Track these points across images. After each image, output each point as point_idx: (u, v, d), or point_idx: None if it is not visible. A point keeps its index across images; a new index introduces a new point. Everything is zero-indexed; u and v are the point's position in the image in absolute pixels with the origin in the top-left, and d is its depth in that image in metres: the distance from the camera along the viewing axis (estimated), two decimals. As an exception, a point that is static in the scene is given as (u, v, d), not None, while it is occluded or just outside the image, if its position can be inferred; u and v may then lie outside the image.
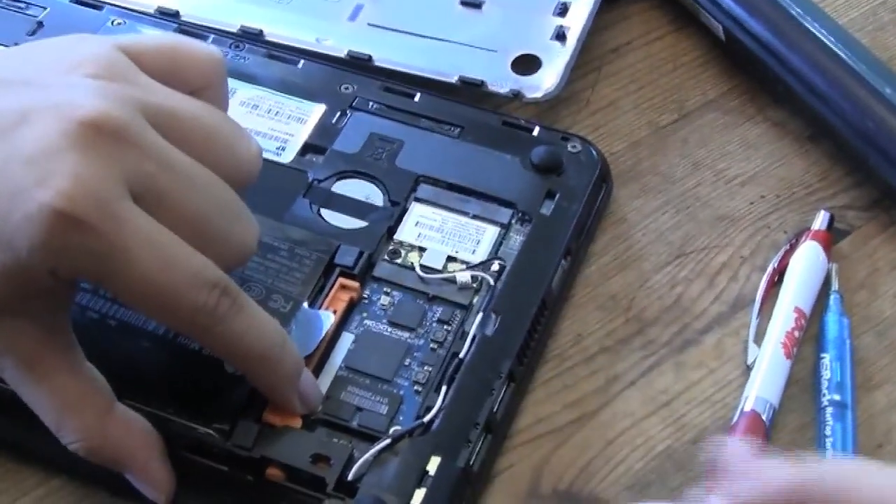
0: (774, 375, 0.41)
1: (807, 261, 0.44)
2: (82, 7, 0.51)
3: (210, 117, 0.38)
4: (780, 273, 0.45)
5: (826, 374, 0.41)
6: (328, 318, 0.40)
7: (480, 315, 0.41)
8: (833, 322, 0.41)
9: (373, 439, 0.37)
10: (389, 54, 0.49)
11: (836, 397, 0.40)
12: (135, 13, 0.51)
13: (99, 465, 0.39)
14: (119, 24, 0.50)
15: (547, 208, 0.44)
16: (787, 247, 0.45)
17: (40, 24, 0.50)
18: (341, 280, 0.41)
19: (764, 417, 0.40)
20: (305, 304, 0.41)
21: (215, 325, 0.36)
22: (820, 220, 0.45)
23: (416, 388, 0.39)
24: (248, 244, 0.38)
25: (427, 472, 0.37)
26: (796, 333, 0.42)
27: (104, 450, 0.38)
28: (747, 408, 0.40)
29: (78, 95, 0.35)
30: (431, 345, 0.40)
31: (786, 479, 0.31)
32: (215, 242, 0.36)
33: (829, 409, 0.40)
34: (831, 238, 0.45)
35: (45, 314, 0.37)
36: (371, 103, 0.47)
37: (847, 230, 0.46)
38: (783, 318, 0.42)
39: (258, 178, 0.39)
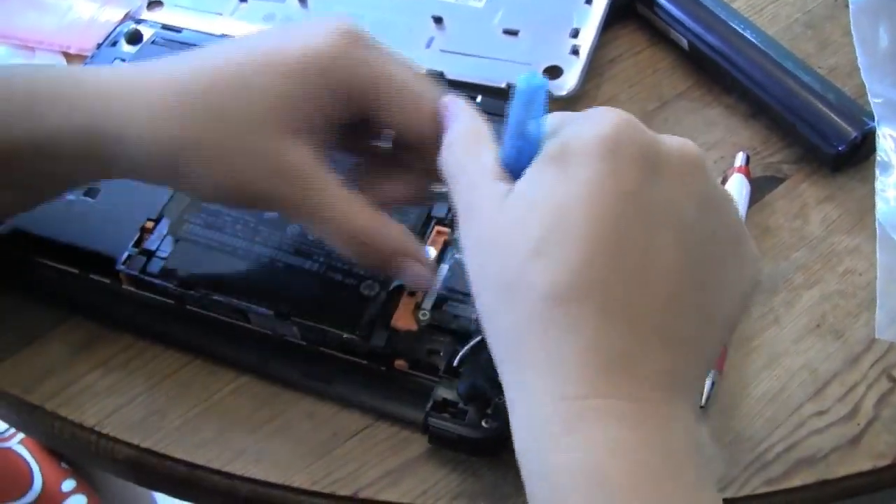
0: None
1: (736, 184, 0.50)
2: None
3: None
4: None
5: None
6: (431, 253, 0.45)
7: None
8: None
9: (468, 337, 0.42)
10: (456, 70, 0.53)
11: None
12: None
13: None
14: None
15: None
16: (721, 178, 0.51)
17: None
18: (437, 228, 0.46)
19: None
20: (416, 244, 0.43)
21: None
22: (740, 159, 0.51)
23: (494, 299, 0.44)
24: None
25: (506, 358, 0.41)
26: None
27: (377, 248, 0.40)
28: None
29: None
30: (501, 268, 0.45)
31: None
32: None
33: None
34: (749, 169, 0.51)
35: (316, 140, 0.40)
36: (448, 105, 0.50)
37: (783, 178, 0.51)
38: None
39: None
